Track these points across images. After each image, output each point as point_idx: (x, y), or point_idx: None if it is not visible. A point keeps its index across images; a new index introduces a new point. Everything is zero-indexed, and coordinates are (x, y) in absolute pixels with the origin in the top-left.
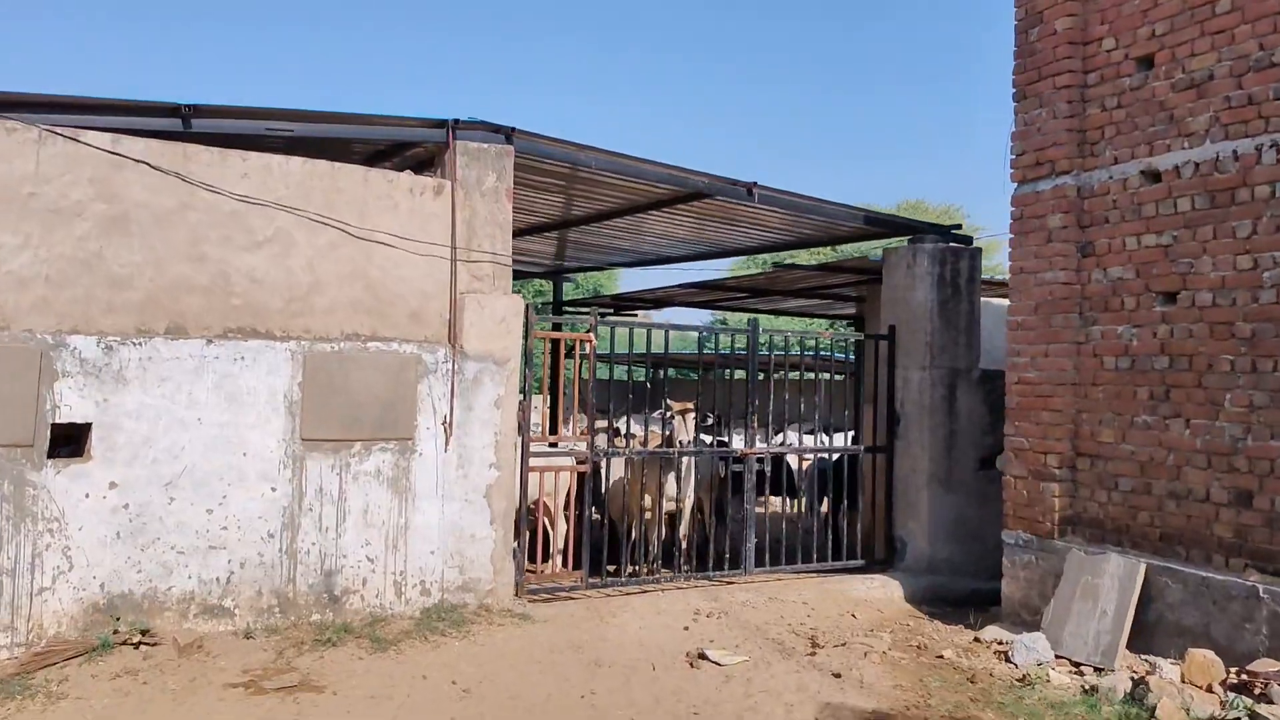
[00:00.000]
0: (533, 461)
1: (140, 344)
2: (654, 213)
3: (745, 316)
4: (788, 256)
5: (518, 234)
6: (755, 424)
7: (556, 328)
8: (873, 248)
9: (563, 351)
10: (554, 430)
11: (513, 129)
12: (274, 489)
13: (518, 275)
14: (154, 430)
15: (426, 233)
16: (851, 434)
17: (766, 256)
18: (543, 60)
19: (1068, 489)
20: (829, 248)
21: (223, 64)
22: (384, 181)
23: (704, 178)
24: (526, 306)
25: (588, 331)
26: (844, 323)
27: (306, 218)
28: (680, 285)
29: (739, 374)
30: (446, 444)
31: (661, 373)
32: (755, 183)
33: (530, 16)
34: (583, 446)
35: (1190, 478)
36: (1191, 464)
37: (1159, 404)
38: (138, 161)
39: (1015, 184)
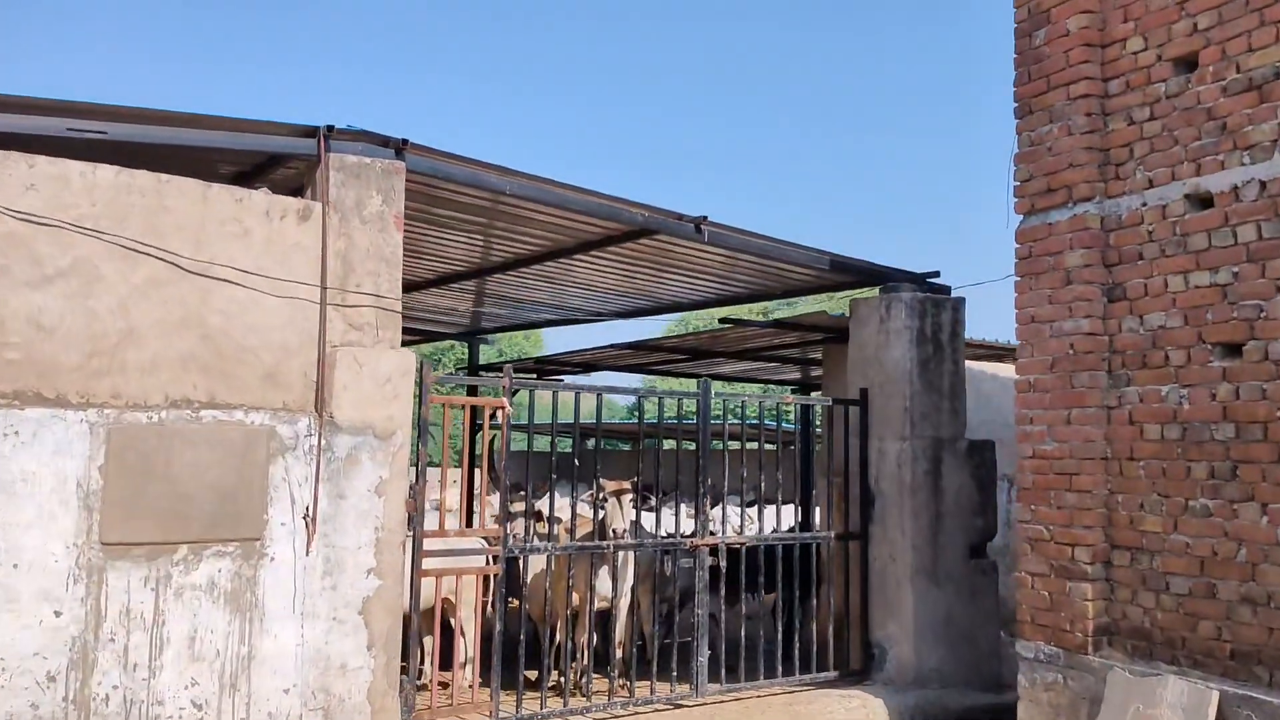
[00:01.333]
0: (429, 562)
1: None
2: (582, 257)
3: (677, 382)
4: (724, 316)
5: (424, 285)
6: (707, 507)
7: (472, 391)
8: (828, 302)
9: (486, 424)
10: (470, 520)
11: (404, 141)
12: (59, 613)
13: (424, 337)
14: None
15: (288, 268)
16: (794, 513)
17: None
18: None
19: (1102, 590)
20: (780, 300)
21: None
22: (230, 201)
23: (643, 210)
24: (422, 364)
25: (500, 396)
26: (788, 388)
27: (119, 244)
28: (612, 345)
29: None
30: (309, 545)
31: (590, 444)
32: (704, 217)
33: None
34: (487, 542)
35: (1271, 578)
36: (1271, 560)
37: (1223, 484)
38: None
39: (1021, 215)
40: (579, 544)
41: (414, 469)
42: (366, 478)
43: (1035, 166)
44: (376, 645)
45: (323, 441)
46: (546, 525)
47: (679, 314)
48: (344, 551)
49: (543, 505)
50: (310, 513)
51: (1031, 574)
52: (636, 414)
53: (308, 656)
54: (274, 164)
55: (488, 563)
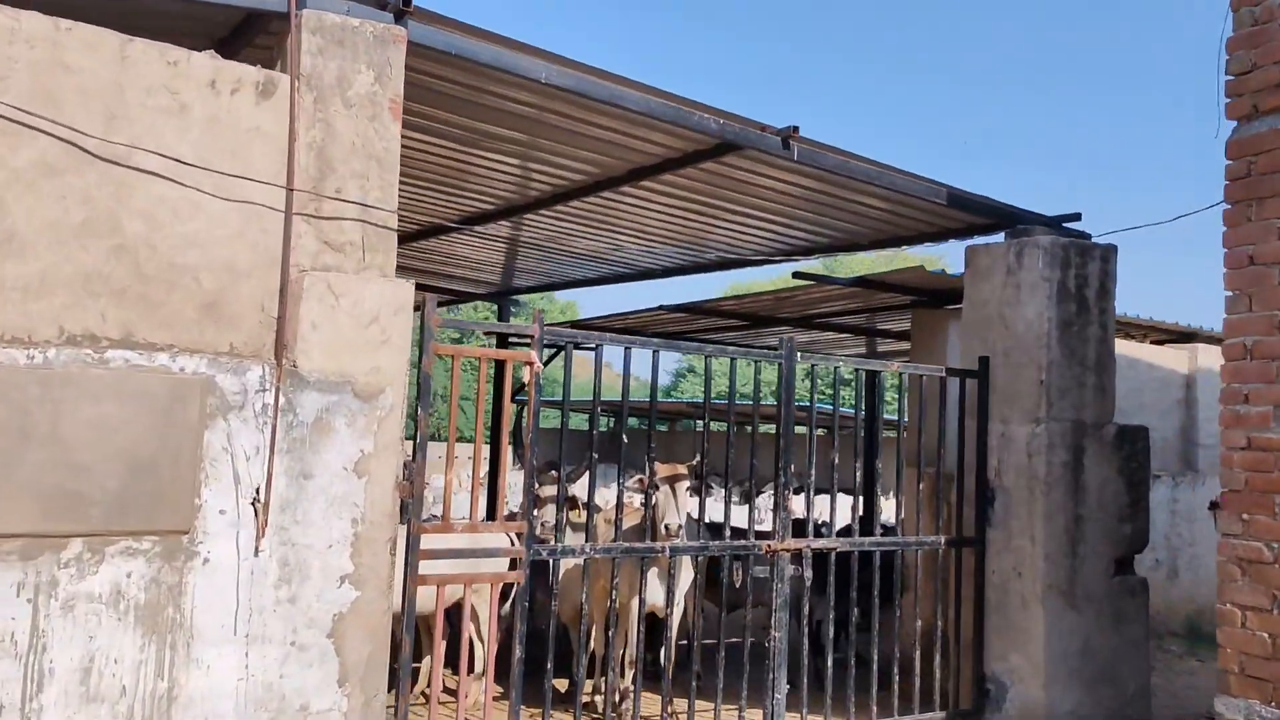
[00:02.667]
0: (429, 567)
1: None
2: (633, 191)
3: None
4: (798, 271)
5: (442, 228)
6: (788, 501)
7: (503, 342)
8: (910, 258)
9: (508, 386)
10: (492, 512)
11: (408, 2)
12: None
13: (448, 298)
14: None
15: (241, 162)
16: (855, 507)
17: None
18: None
19: None
20: (845, 255)
21: None
22: (160, 63)
23: (716, 115)
24: (424, 300)
25: (529, 349)
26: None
27: None
28: (662, 307)
29: (754, 422)
30: (259, 542)
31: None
32: (795, 128)
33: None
34: (508, 538)
35: None
36: None
37: None
38: None
39: (1235, 121)
40: (625, 546)
41: (411, 442)
42: (342, 451)
43: (1260, 53)
44: (352, 679)
45: (282, 399)
46: (583, 516)
47: (731, 274)
48: (308, 551)
49: (577, 491)
50: (262, 497)
51: (1243, 607)
52: (678, 392)
53: (254, 696)
54: (247, 35)
55: (510, 567)
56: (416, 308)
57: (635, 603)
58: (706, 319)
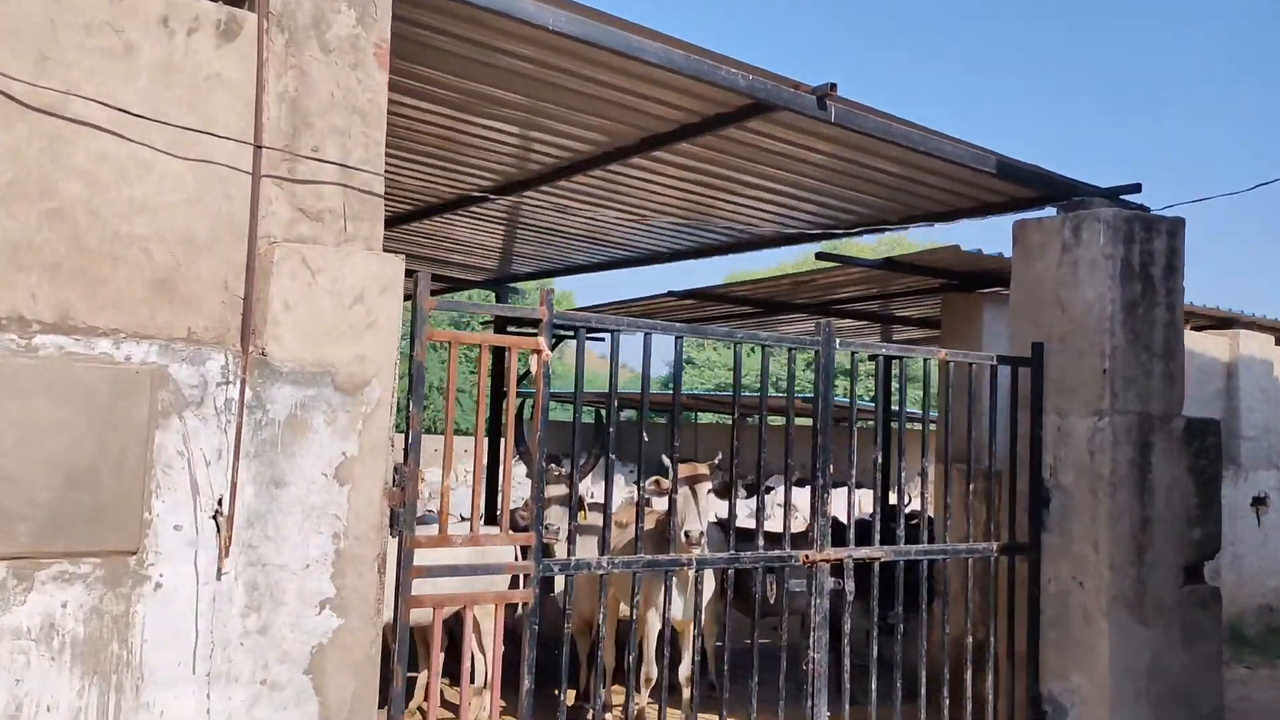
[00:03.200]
0: (422, 586)
1: None
2: (644, 162)
3: (727, 350)
4: (821, 252)
5: (436, 209)
6: (828, 503)
7: (501, 328)
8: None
9: (511, 376)
10: (493, 517)
11: None
12: None
13: (441, 285)
14: None
15: (200, 114)
16: (869, 499)
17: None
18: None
19: None
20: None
21: None
22: None
23: (744, 71)
24: (417, 278)
25: (537, 335)
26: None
27: None
28: (670, 294)
29: (789, 414)
30: (221, 563)
31: (644, 413)
32: (832, 85)
33: None
34: (514, 551)
35: None
36: None
37: None
38: None
39: None
40: (646, 559)
41: (404, 440)
42: (321, 454)
43: None
44: None
45: (249, 394)
46: (595, 519)
47: (728, 263)
48: (281, 573)
49: (590, 491)
50: (225, 509)
51: None
52: (671, 385)
53: None
54: None
55: (514, 585)
56: (407, 295)
57: (653, 615)
58: (715, 306)
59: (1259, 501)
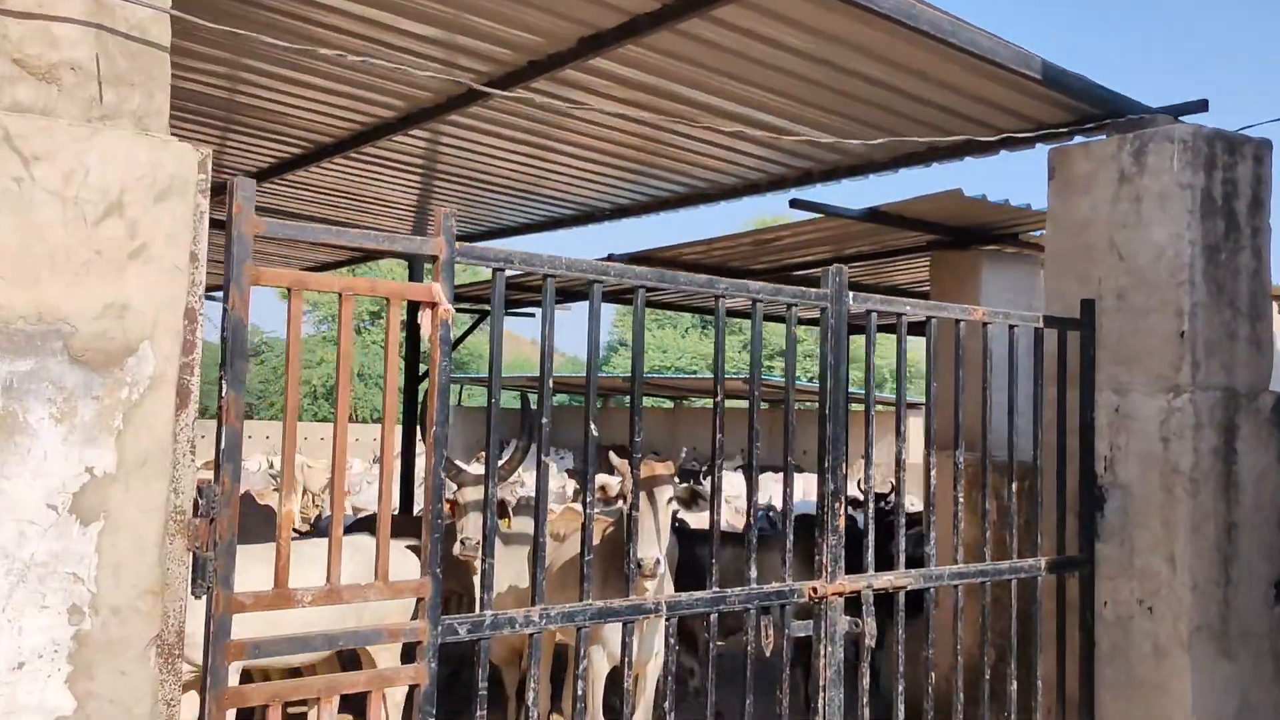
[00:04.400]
0: (259, 659)
1: None
2: (580, 75)
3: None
4: (796, 199)
5: (331, 149)
6: (838, 515)
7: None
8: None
9: (390, 343)
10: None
11: None
12: None
13: (345, 257)
14: None
15: None
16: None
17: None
18: None
19: None
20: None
21: None
22: None
23: None
24: (234, 185)
25: (430, 281)
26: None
27: None
28: (610, 258)
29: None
30: None
31: (636, 395)
32: None
33: None
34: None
35: None
36: None
37: None
38: None
39: None
40: (600, 607)
41: (215, 441)
42: (44, 470)
43: None
44: None
45: None
46: (516, 526)
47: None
48: None
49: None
50: None
51: None
52: (610, 367)
53: None
54: None
55: (406, 655)
56: (219, 221)
57: (598, 654)
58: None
59: None
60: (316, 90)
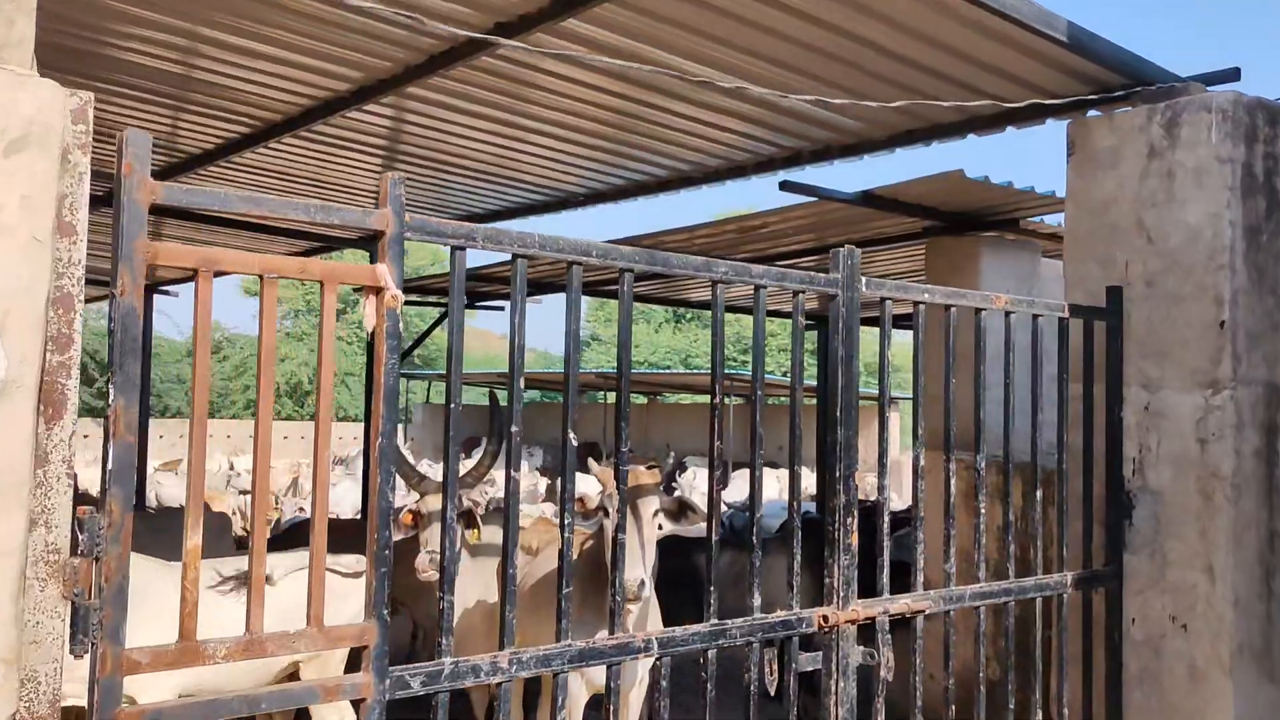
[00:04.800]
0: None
1: None
2: (551, 37)
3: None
4: (786, 181)
5: (284, 126)
6: (851, 530)
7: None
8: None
9: (324, 332)
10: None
11: None
12: None
13: (311, 246)
14: None
15: None
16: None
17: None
18: None
19: None
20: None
21: None
22: None
23: None
24: (124, 138)
25: (378, 261)
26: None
27: None
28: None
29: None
30: None
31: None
32: None
33: None
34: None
35: None
36: None
37: None
38: None
39: None
40: (582, 648)
41: (102, 458)
42: None
43: None
44: None
45: None
46: (484, 538)
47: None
48: None
49: (484, 500)
50: None
51: None
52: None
53: None
54: None
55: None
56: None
57: (575, 682)
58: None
59: None
60: (265, 60)
